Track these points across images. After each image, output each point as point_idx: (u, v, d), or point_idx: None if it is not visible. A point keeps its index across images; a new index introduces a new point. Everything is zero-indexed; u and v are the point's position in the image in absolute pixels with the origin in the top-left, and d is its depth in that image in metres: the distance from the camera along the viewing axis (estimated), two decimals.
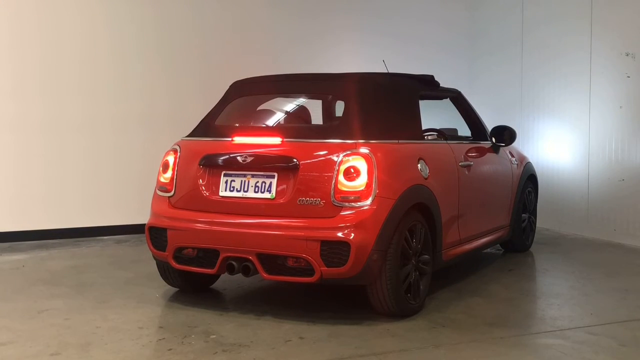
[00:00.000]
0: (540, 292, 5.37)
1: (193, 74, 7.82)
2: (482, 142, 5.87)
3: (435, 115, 6.16)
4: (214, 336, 4.00)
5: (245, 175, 4.43)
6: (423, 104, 5.22)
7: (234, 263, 4.28)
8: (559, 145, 7.99)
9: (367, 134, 4.34)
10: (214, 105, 5.07)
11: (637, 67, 6.91)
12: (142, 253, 6.13)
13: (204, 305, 4.64)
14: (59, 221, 7.24)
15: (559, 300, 4.91)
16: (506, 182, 6.14)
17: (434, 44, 9.17)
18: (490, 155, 5.88)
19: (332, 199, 4.14)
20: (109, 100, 7.43)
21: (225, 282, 5.21)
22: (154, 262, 4.91)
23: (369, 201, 4.12)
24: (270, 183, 4.34)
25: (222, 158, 4.52)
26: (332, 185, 4.15)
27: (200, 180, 4.53)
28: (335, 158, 4.20)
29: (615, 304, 4.80)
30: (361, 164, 4.16)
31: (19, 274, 5.66)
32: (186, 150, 4.69)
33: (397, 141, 4.55)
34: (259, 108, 5.21)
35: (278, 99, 5.19)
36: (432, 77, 5.38)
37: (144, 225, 4.71)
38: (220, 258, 4.30)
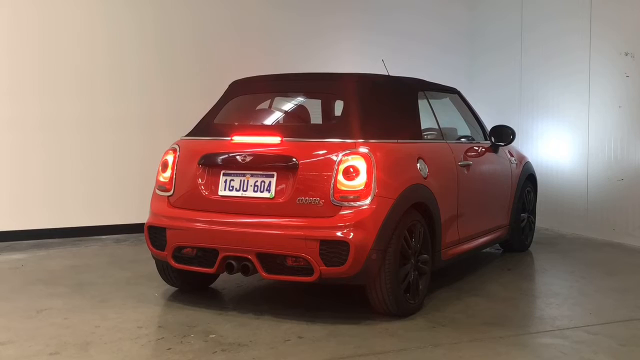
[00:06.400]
0: (540, 292, 5.37)
1: (191, 73, 7.81)
2: (481, 141, 5.87)
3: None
4: (213, 336, 4.00)
5: (244, 175, 4.42)
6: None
7: (233, 262, 4.28)
8: (558, 145, 7.99)
9: (367, 134, 4.34)
10: (212, 105, 5.07)
11: (636, 67, 6.91)
12: (141, 252, 6.13)
13: (203, 304, 4.64)
14: (57, 220, 7.23)
15: (558, 299, 4.92)
16: (505, 182, 6.14)
17: (433, 43, 9.17)
18: (489, 155, 5.88)
19: (331, 199, 4.14)
20: (107, 99, 7.43)
21: (225, 281, 5.21)
22: (153, 261, 4.91)
23: (368, 201, 4.12)
24: (270, 182, 4.33)
25: (221, 157, 4.52)
26: (332, 185, 4.15)
27: (200, 180, 4.53)
28: (334, 157, 4.20)
29: (614, 304, 4.81)
30: (360, 164, 4.15)
31: (18, 274, 5.65)
32: (185, 150, 4.69)
33: (396, 141, 4.55)
34: (258, 107, 5.21)
35: (277, 98, 5.18)
36: (457, 92, 5.83)
37: (143, 224, 4.71)
38: (220, 257, 4.30)
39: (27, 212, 7.11)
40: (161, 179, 4.71)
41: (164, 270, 4.87)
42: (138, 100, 7.57)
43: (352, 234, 4.06)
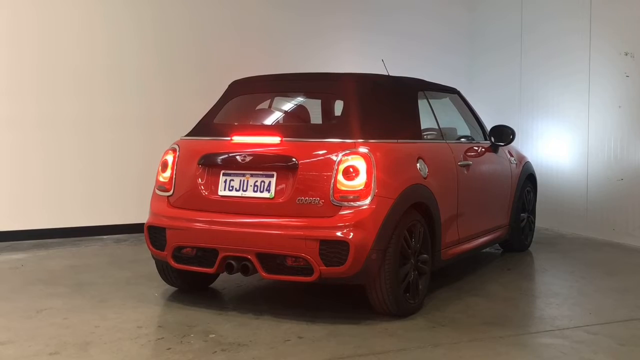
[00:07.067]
0: (539, 292, 5.37)
1: (190, 73, 7.80)
2: (481, 141, 5.87)
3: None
4: (213, 335, 4.00)
5: (244, 175, 4.42)
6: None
7: (233, 262, 4.28)
8: (558, 145, 8.00)
9: (366, 134, 4.34)
10: (212, 105, 5.07)
11: (636, 67, 6.91)
12: (141, 252, 6.13)
13: (203, 304, 4.64)
14: (57, 220, 7.23)
15: (558, 299, 4.92)
16: (505, 182, 6.14)
17: (433, 43, 9.18)
18: (489, 155, 5.88)
19: (331, 199, 4.14)
20: (106, 99, 7.42)
21: (225, 281, 5.21)
22: (153, 261, 4.91)
23: (367, 200, 4.12)
24: (269, 182, 4.33)
25: (221, 157, 4.52)
26: (331, 185, 4.15)
27: (199, 180, 4.53)
28: (334, 157, 4.20)
29: (614, 304, 4.81)
30: (360, 164, 4.15)
31: (18, 274, 5.65)
32: (185, 150, 4.69)
33: (396, 140, 4.55)
34: (257, 107, 5.21)
35: (277, 98, 5.18)
36: (457, 92, 5.79)
37: (142, 224, 4.71)
38: (219, 257, 4.30)
39: (27, 212, 7.11)
40: (161, 179, 4.71)
41: (164, 270, 4.87)
42: (137, 100, 7.57)
43: (352, 234, 4.05)
